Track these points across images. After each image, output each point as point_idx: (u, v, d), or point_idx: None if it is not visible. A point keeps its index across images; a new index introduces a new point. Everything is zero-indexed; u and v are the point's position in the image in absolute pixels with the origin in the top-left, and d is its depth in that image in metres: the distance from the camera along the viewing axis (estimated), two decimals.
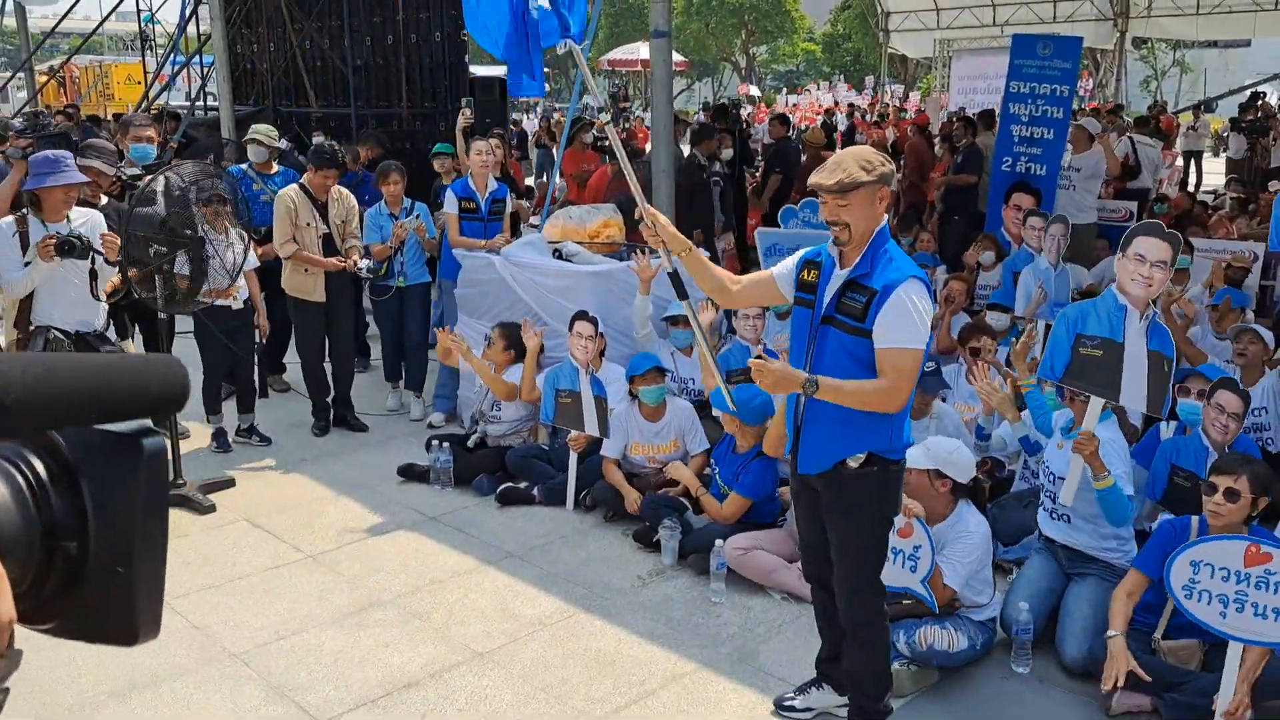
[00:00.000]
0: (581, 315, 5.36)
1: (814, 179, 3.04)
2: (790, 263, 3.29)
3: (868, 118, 22.15)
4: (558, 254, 6.23)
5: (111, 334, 5.46)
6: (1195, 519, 3.71)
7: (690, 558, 4.73)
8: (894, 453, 3.17)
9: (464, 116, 7.78)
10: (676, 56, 31.30)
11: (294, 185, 6.37)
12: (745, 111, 22.64)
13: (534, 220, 8.66)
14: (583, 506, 5.37)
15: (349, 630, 4.27)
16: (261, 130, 7.16)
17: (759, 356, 3.04)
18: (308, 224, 6.20)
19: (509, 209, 6.73)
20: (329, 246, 6.30)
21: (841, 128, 21.52)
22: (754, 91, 29.24)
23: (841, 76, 35.73)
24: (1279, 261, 8.33)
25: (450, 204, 6.49)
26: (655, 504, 5.03)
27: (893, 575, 3.82)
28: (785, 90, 29.68)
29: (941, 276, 7.77)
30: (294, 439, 6.51)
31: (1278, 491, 3.67)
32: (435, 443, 5.75)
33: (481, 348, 5.91)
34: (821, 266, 3.15)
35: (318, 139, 9.56)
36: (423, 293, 6.81)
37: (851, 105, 25.09)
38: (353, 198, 6.50)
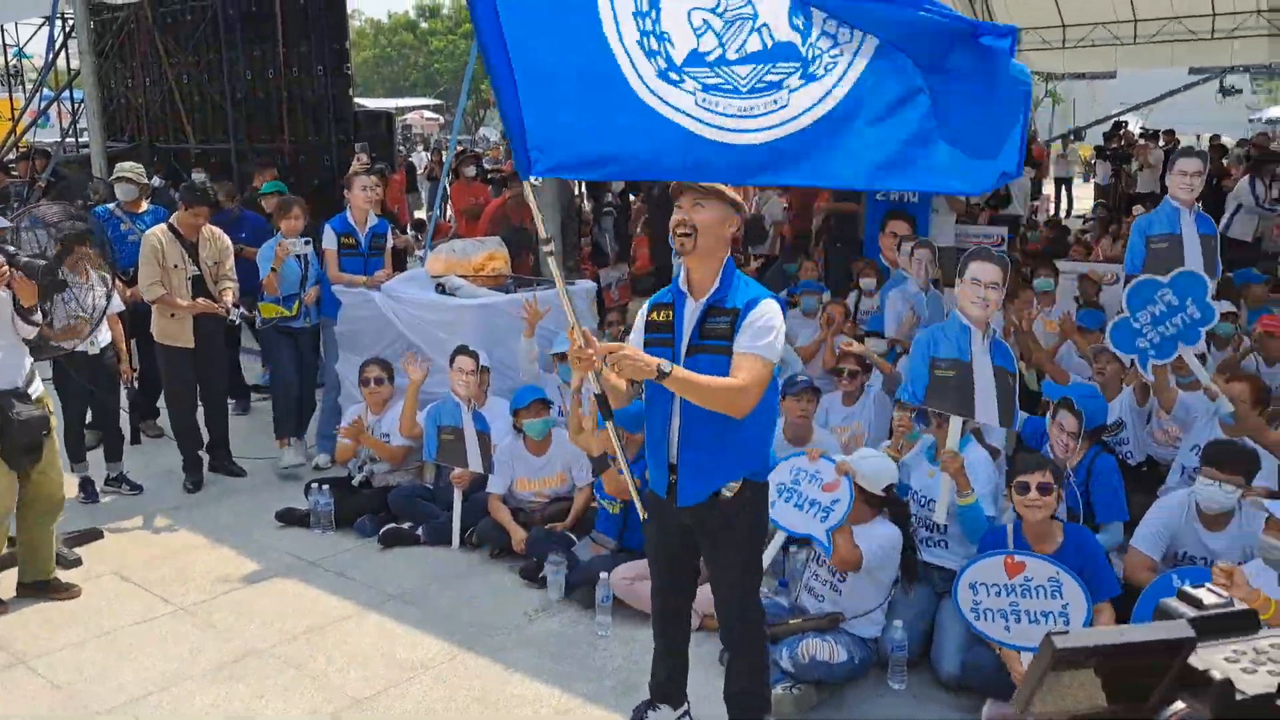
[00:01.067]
0: (462, 350, 5.31)
1: (681, 182, 3.09)
2: (638, 324, 3.31)
3: None
4: (441, 288, 6.17)
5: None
6: (1010, 524, 3.91)
7: (577, 592, 4.71)
8: (763, 474, 3.25)
9: (359, 162, 7.64)
10: None
11: (162, 225, 6.13)
12: None
13: (419, 254, 8.57)
14: (468, 545, 5.29)
15: (222, 683, 4.12)
16: (128, 167, 6.94)
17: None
18: (176, 265, 5.97)
19: (390, 244, 6.64)
20: (200, 289, 6.07)
21: None
22: None
23: None
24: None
25: (329, 240, 6.38)
26: (541, 539, 5.00)
27: (799, 521, 3.88)
28: None
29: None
30: (167, 486, 6.27)
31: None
32: (315, 485, 5.61)
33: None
34: (674, 305, 3.18)
35: (198, 175, 9.32)
36: (313, 334, 6.63)
37: None
38: (226, 237, 6.29)
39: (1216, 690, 0.73)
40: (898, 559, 3.99)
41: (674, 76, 2.93)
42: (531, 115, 2.95)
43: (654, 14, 2.93)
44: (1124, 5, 17.61)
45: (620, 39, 2.92)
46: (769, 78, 2.93)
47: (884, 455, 4.16)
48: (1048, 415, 4.91)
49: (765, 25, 2.93)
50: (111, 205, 6.90)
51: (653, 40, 2.94)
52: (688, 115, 2.92)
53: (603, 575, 4.44)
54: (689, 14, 2.93)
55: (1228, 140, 19.84)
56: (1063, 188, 19.20)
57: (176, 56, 12.04)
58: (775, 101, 2.92)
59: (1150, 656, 0.75)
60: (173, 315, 6.01)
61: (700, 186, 3.05)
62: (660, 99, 2.92)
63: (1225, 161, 13.31)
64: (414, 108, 30.96)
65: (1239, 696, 0.73)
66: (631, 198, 10.69)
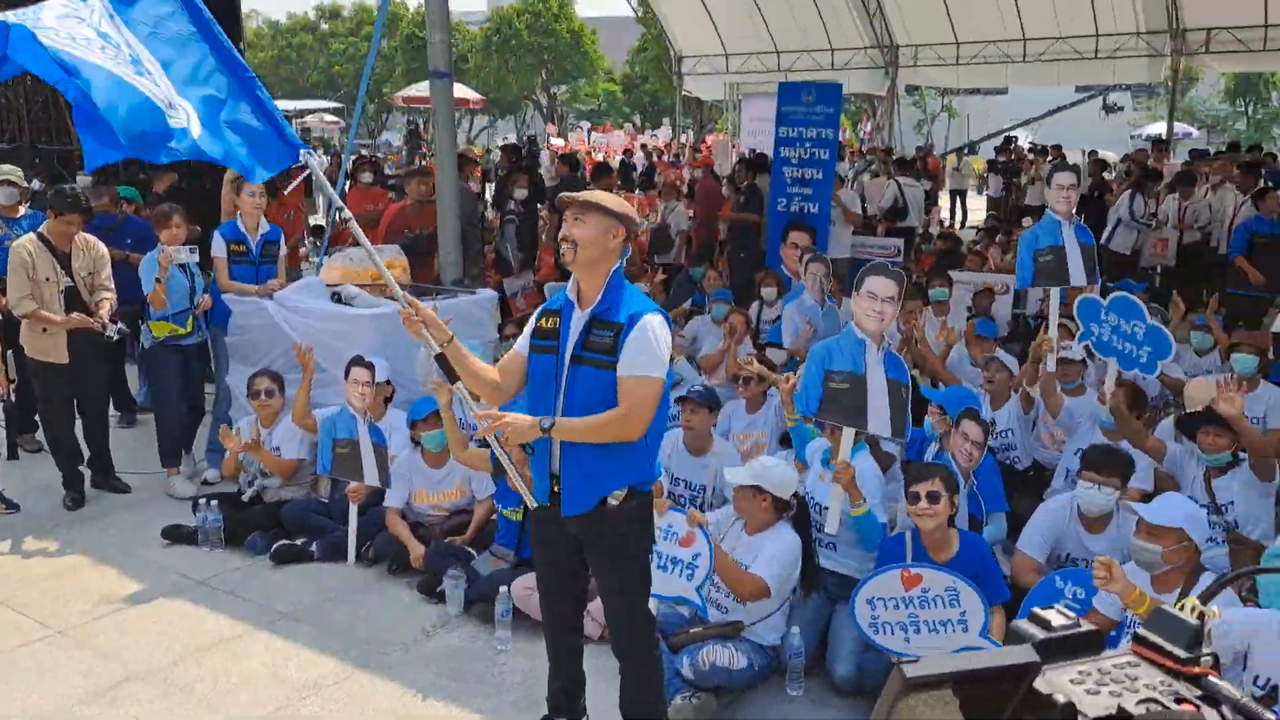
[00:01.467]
0: (358, 361, 5.20)
1: (564, 194, 3.14)
2: (529, 325, 3.32)
3: (665, 158, 22.79)
4: (336, 297, 6.04)
5: None
6: (908, 531, 4.01)
7: (476, 606, 4.65)
8: (648, 483, 3.27)
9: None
10: (472, 94, 31.30)
11: (31, 235, 5.80)
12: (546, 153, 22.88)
13: (314, 261, 8.37)
14: (365, 560, 5.18)
15: (101, 709, 3.95)
16: (6, 170, 6.61)
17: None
18: (47, 279, 5.65)
19: (283, 251, 6.46)
20: (74, 301, 5.75)
21: (640, 168, 22.07)
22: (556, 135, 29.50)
23: (639, 116, 36.68)
24: (1029, 295, 9.06)
25: (218, 247, 6.18)
26: (440, 553, 4.93)
27: (668, 585, 3.89)
28: (589, 128, 30.12)
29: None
30: (46, 503, 5.99)
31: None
32: (203, 501, 5.42)
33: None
34: (561, 313, 3.20)
35: (81, 179, 8.92)
36: (202, 347, 6.37)
37: (644, 146, 25.76)
38: (101, 246, 5.96)
39: (1060, 714, 0.75)
40: (798, 565, 4.05)
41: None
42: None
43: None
44: (1014, 24, 18.28)
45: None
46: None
47: (787, 464, 4.21)
48: (939, 424, 5.06)
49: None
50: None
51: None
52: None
53: (502, 589, 4.39)
54: None
55: (1110, 156, 20.74)
56: (957, 200, 19.79)
57: None
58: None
59: (998, 682, 0.77)
60: (45, 330, 5.70)
61: (579, 201, 3.08)
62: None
63: (1107, 176, 13.90)
64: (314, 110, 30.29)
65: (1081, 719, 0.75)
66: (539, 205, 10.64)
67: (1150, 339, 4.97)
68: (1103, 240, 10.93)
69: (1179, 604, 0.87)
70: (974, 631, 3.61)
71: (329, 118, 33.17)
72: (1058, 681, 0.79)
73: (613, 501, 3.16)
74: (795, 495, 4.08)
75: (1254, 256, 8.64)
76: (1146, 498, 4.84)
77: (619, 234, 3.13)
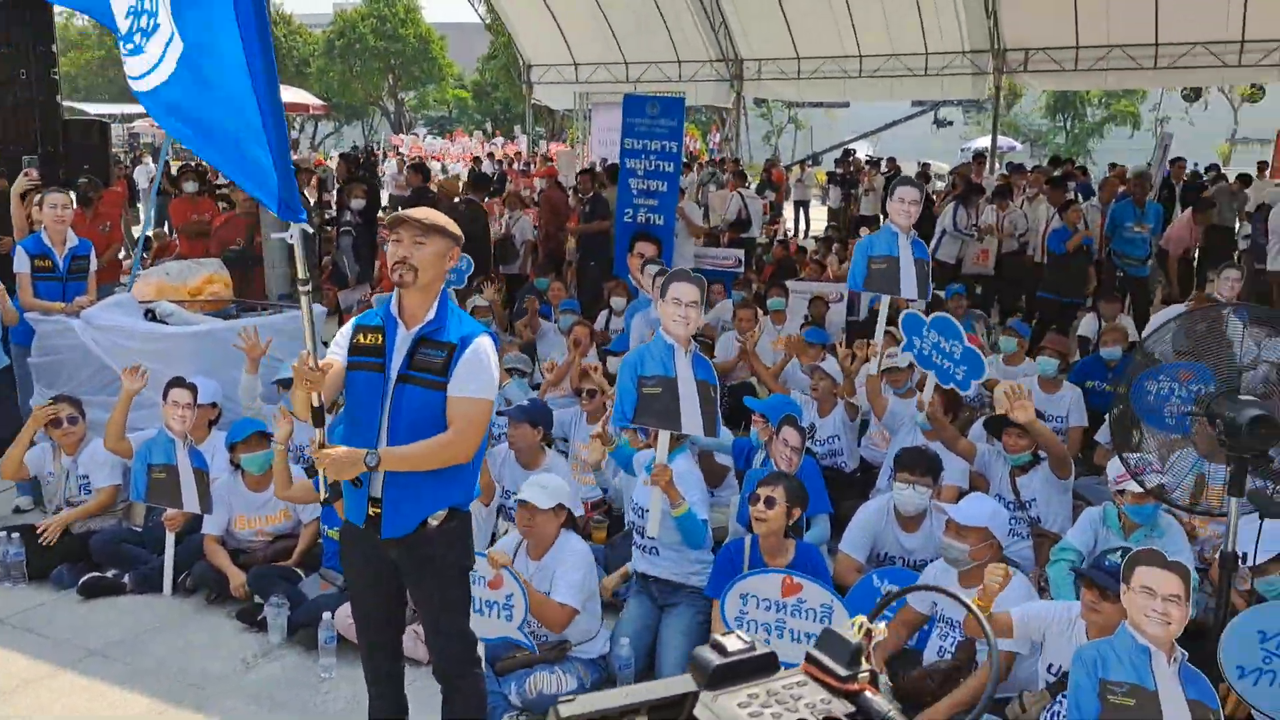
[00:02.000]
0: (177, 382, 4.93)
1: (400, 213, 3.05)
2: (343, 337, 3.22)
3: (516, 166, 22.69)
4: (151, 315, 5.74)
5: None
6: (748, 537, 4.12)
7: (300, 633, 4.49)
8: (468, 503, 3.24)
9: (26, 178, 6.80)
10: (313, 99, 30.44)
11: None
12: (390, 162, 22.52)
13: (125, 279, 7.94)
14: (183, 591, 4.93)
15: None
16: None
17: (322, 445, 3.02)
18: None
19: (93, 266, 6.10)
20: None
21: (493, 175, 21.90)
22: (404, 142, 28.93)
23: (490, 124, 36.40)
24: (861, 300, 9.39)
25: (21, 262, 5.79)
26: (263, 578, 4.74)
27: (489, 627, 3.86)
28: (425, 134, 29.72)
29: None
30: None
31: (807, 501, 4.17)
32: (3, 534, 5.05)
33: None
34: (384, 330, 3.11)
35: None
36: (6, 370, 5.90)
37: (490, 154, 25.62)
38: None
39: None
40: (595, 574, 4.08)
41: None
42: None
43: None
44: (850, 42, 19.03)
45: None
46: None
47: (556, 480, 4.23)
48: (764, 432, 5.19)
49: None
50: None
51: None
52: None
53: (325, 615, 4.25)
54: None
55: (943, 167, 21.77)
56: (801, 210, 20.42)
57: None
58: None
59: (658, 712, 0.78)
60: None
61: (422, 223, 3.00)
62: None
63: (928, 189, 14.60)
64: (139, 115, 28.76)
65: None
66: (377, 215, 10.43)
67: (966, 359, 5.23)
68: (930, 249, 11.48)
69: (849, 622, 0.91)
70: None
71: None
72: (723, 707, 0.81)
73: (433, 522, 3.11)
74: (561, 507, 4.11)
75: (1061, 263, 9.27)
76: (961, 495, 5.11)
77: (454, 255, 3.10)
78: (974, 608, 1.04)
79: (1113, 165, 18.01)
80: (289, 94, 27.49)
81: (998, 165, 20.26)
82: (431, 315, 3.07)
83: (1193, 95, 23.01)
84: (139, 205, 12.90)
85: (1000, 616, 3.45)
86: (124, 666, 4.33)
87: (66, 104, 10.12)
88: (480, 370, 3.03)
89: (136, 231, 12.21)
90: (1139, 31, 16.39)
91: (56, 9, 10.03)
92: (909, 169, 20.11)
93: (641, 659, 4.15)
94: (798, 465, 4.69)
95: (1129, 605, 3.04)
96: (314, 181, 10.17)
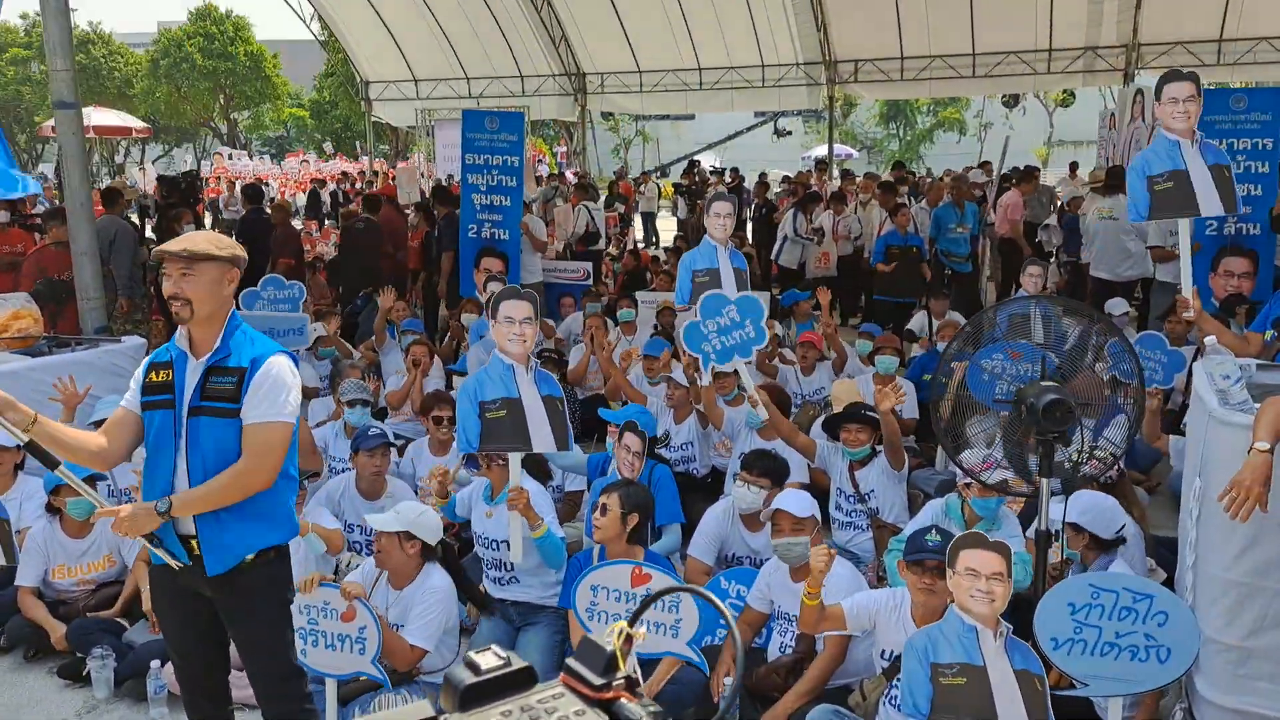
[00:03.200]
0: None
1: (160, 247, 2.91)
2: (136, 378, 3.07)
3: (357, 185, 22.18)
4: None
5: None
6: (596, 547, 4.13)
7: (128, 684, 4.23)
8: (289, 536, 3.12)
9: None
10: (135, 122, 28.98)
11: None
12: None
13: None
14: None
15: None
16: None
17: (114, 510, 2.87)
18: None
19: None
20: None
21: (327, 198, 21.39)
22: (237, 163, 27.79)
23: (331, 143, 35.46)
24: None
25: None
26: (84, 629, 4.44)
27: (340, 662, 3.74)
28: (275, 157, 28.77)
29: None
30: None
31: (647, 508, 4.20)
32: None
33: None
34: (173, 364, 2.98)
35: None
36: None
37: (344, 173, 24.99)
38: None
39: None
40: (455, 610, 4.01)
41: None
42: None
43: None
44: (689, 55, 19.38)
45: None
46: None
47: (426, 507, 4.15)
48: (613, 438, 5.20)
49: None
50: None
51: None
52: None
53: (154, 663, 4.02)
54: None
55: (773, 176, 22.40)
56: (649, 222, 20.67)
57: None
58: None
59: None
60: None
61: (184, 253, 2.85)
62: None
63: (769, 196, 15.02)
64: None
65: None
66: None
67: (744, 311, 5.35)
68: (773, 255, 11.82)
69: (610, 629, 0.90)
70: (684, 640, 3.72)
71: None
72: None
73: (250, 558, 2.98)
74: (444, 540, 4.05)
75: (892, 264, 9.69)
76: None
77: (233, 277, 2.96)
78: (723, 608, 1.05)
79: (945, 172, 18.94)
80: (109, 116, 26.09)
81: (835, 173, 21.00)
82: (219, 342, 2.94)
83: (1012, 101, 24.36)
84: None
85: (832, 609, 3.54)
86: None
87: None
88: (272, 392, 2.91)
89: None
90: (958, 42, 17.29)
91: None
92: (752, 178, 20.64)
93: None
94: (640, 470, 4.72)
95: (955, 588, 3.17)
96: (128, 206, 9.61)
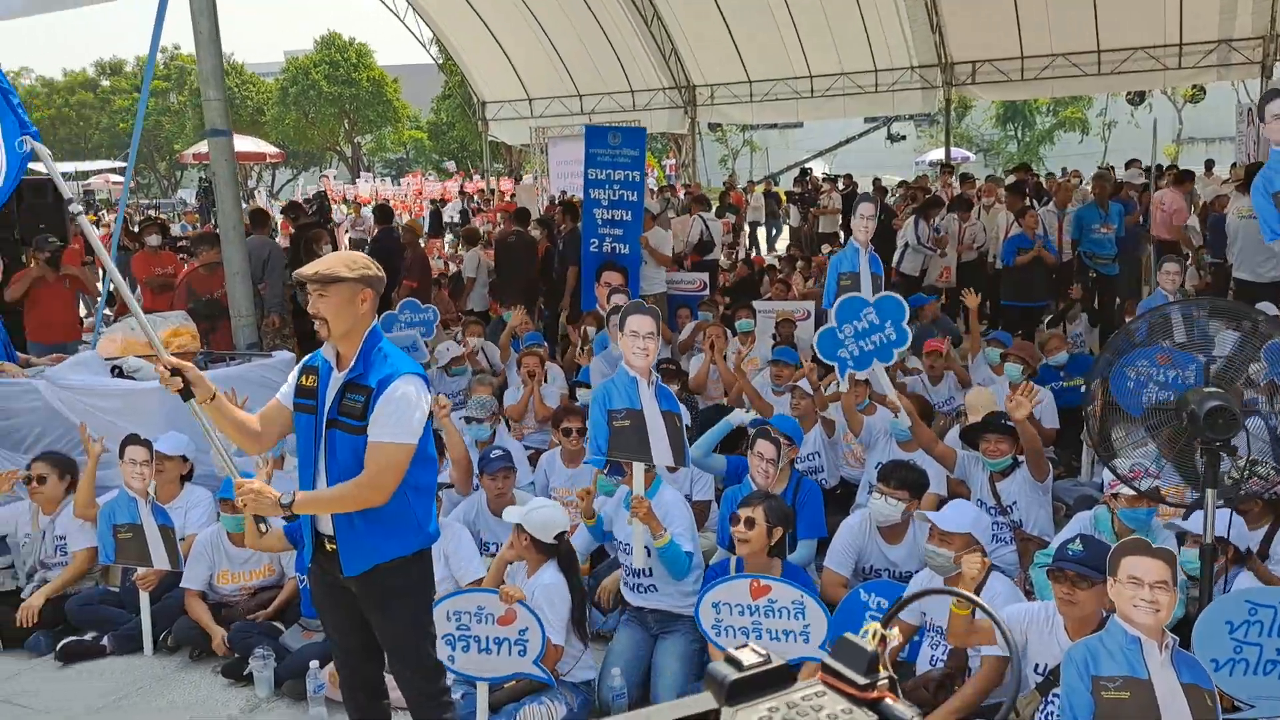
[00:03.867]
0: (133, 439, 4.86)
1: (298, 271, 3.09)
2: (292, 377, 3.27)
3: (476, 203, 22.76)
4: (117, 371, 5.67)
5: None
6: (732, 558, 4.12)
7: (288, 685, 4.42)
8: (429, 541, 3.27)
9: None
10: (270, 148, 30.33)
11: None
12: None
13: (87, 338, 7.84)
14: (165, 649, 4.84)
15: None
16: None
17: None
18: None
19: None
20: None
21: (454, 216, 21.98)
22: (360, 187, 28.83)
23: (453, 163, 36.45)
24: (829, 317, 9.46)
25: None
26: (245, 632, 4.67)
27: (499, 665, 3.83)
28: (395, 179, 29.75)
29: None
30: None
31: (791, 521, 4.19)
32: None
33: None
34: (319, 371, 3.16)
35: None
36: None
37: (461, 192, 25.65)
38: None
39: None
40: (569, 601, 4.07)
41: None
42: None
43: None
44: (800, 63, 19.27)
45: None
46: None
47: (555, 505, 4.23)
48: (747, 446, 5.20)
49: None
50: None
51: None
52: None
53: (313, 664, 4.19)
54: None
55: (889, 180, 22.04)
56: (760, 231, 20.60)
57: None
58: None
59: None
60: None
61: (319, 276, 3.03)
62: None
63: (888, 201, 14.75)
64: (98, 171, 28.59)
65: None
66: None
67: (883, 313, 5.30)
68: (893, 263, 11.61)
69: (864, 629, 0.92)
70: (815, 644, 3.74)
71: (115, 178, 31.35)
72: None
73: (384, 563, 3.15)
74: (560, 537, 4.13)
75: (1017, 270, 9.44)
76: (941, 502, 5.13)
77: (366, 296, 3.10)
78: (987, 607, 1.05)
79: (1071, 172, 18.33)
80: (246, 143, 27.41)
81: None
82: (356, 359, 3.10)
83: (1137, 99, 23.41)
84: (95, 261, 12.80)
85: (982, 622, 3.46)
86: None
87: None
88: (395, 413, 3.03)
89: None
90: (1081, 39, 16.74)
91: (15, 69, 9.96)
92: (865, 185, 20.37)
93: (634, 690, 4.12)
94: (774, 477, 4.71)
95: (1116, 597, 3.07)
96: (287, 227, 10.07)
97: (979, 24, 17.28)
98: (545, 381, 7.25)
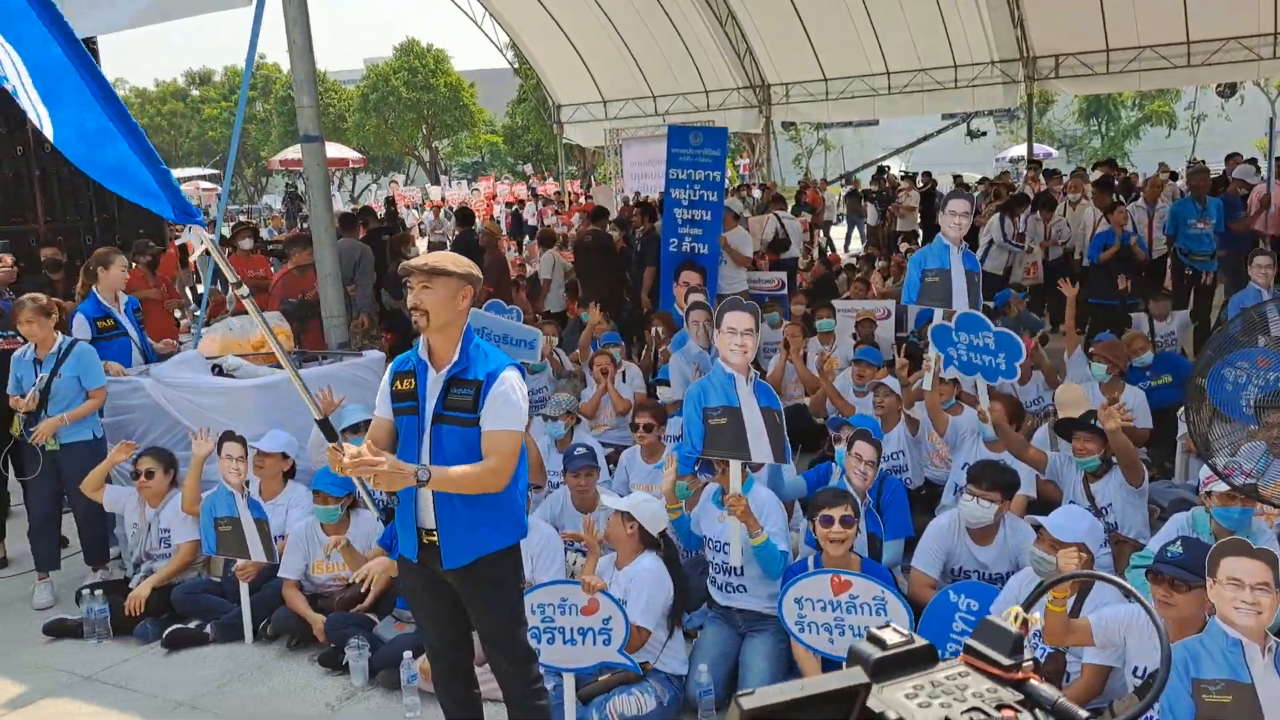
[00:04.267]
0: (229, 436, 5.05)
1: (405, 263, 3.19)
2: (384, 386, 3.34)
3: (553, 205, 23.02)
4: (218, 369, 5.88)
5: None
6: (810, 556, 4.11)
7: (382, 674, 4.54)
8: (522, 533, 3.37)
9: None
10: (352, 153, 31.04)
11: None
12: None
13: (181, 340, 8.13)
14: (264, 637, 5.01)
15: None
16: None
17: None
18: None
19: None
20: None
21: (530, 219, 22.24)
22: (436, 190, 29.41)
23: (530, 166, 36.90)
24: (908, 315, 9.34)
25: (82, 329, 5.95)
26: (341, 623, 4.80)
27: (583, 655, 3.89)
28: (470, 182, 30.26)
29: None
30: None
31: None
32: (86, 592, 5.17)
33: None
34: (415, 374, 3.25)
35: None
36: (83, 452, 5.61)
37: (534, 194, 25.94)
38: None
39: None
40: (669, 590, 4.11)
41: None
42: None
43: None
44: (877, 59, 19.08)
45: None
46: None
47: (661, 501, 4.28)
48: (844, 447, 5.17)
49: None
50: None
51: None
52: None
53: (406, 654, 4.30)
54: None
55: (969, 177, 21.63)
56: (826, 231, 20.42)
57: None
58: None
59: (833, 704, 0.81)
60: None
61: (425, 268, 3.12)
62: None
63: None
64: (189, 178, 29.59)
65: None
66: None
67: (1000, 344, 5.22)
68: (977, 260, 11.39)
69: (1006, 613, 0.93)
70: None
71: (205, 185, 32.40)
72: (892, 698, 0.83)
73: (483, 556, 3.23)
74: (663, 535, 4.17)
75: (1103, 268, 9.22)
76: (1032, 505, 5.04)
77: (467, 294, 3.19)
78: (1144, 602, 1.05)
79: (1160, 166, 17.78)
80: (331, 149, 28.10)
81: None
82: (456, 356, 3.19)
83: (1228, 91, 22.61)
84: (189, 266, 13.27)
85: (1079, 622, 3.41)
86: (213, 717, 4.40)
87: None
88: (507, 404, 3.15)
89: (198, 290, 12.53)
90: (1169, 30, 16.28)
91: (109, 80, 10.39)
92: (944, 182, 20.05)
93: (720, 687, 4.14)
94: (872, 479, 4.68)
95: (1217, 599, 3.00)
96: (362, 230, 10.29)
97: (1062, 16, 16.92)
98: (623, 380, 7.30)
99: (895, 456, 6.07)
